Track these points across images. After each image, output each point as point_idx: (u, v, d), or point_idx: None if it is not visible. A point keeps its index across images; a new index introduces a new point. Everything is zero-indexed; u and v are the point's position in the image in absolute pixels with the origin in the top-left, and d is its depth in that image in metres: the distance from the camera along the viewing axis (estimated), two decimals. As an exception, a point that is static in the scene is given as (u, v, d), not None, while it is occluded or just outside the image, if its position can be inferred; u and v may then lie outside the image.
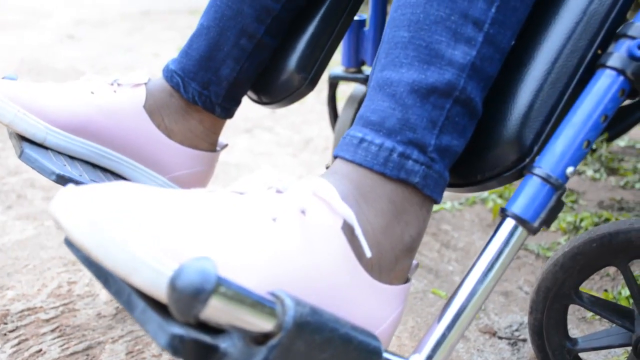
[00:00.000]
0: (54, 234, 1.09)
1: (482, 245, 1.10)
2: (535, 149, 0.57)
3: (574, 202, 1.25)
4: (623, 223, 0.67)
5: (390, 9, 0.61)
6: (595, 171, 1.38)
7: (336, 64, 1.18)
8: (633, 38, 0.55)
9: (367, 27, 1.12)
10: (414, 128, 0.55)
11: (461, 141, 0.57)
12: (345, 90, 1.90)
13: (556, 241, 1.11)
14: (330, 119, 1.19)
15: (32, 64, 2.27)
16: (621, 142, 1.53)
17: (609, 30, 0.57)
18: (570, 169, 0.55)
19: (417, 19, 0.57)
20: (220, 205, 0.49)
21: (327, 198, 0.52)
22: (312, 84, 0.87)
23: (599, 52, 0.58)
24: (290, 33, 0.86)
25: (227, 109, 0.88)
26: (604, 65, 0.56)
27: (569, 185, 1.31)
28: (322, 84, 1.97)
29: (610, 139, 1.45)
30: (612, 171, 1.38)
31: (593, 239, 0.68)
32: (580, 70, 0.57)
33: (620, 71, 0.55)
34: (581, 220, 1.15)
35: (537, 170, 0.55)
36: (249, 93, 0.92)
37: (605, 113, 0.55)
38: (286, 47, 0.86)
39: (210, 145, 0.89)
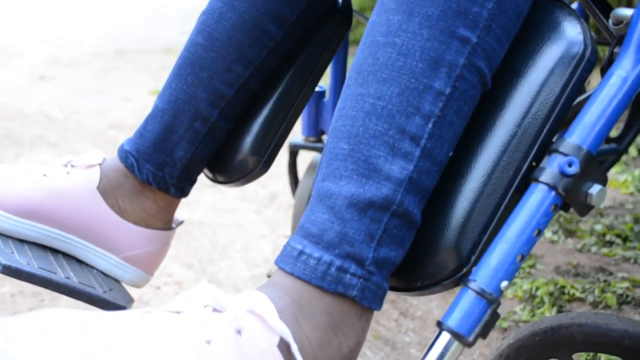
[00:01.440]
0: None
1: (441, 314, 1.11)
2: (473, 258, 0.59)
3: (532, 266, 1.26)
4: (565, 317, 0.69)
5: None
6: (554, 233, 1.40)
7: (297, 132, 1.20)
8: (564, 154, 0.57)
9: (327, 98, 1.13)
10: (351, 242, 0.56)
11: (399, 252, 0.58)
12: (307, 157, 1.92)
13: (512, 310, 1.12)
14: (290, 185, 1.20)
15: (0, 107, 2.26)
16: (581, 200, 1.56)
17: (543, 144, 0.59)
18: (504, 283, 0.56)
19: (356, 132, 0.58)
20: (151, 330, 0.49)
21: (264, 315, 0.52)
22: (266, 166, 0.88)
23: (534, 164, 0.59)
24: (245, 115, 0.87)
25: (182, 189, 0.88)
26: (536, 180, 0.57)
27: (527, 248, 1.33)
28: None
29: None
30: (570, 233, 1.40)
31: (536, 333, 0.69)
32: (516, 182, 0.59)
33: (552, 187, 0.57)
34: (537, 288, 1.16)
35: (472, 284, 0.56)
36: (205, 171, 0.93)
37: (538, 227, 0.57)
38: (241, 129, 0.87)
39: (165, 223, 0.89)
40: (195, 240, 1.38)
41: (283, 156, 1.91)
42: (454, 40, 0.58)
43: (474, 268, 0.57)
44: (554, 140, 0.60)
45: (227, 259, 1.30)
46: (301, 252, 0.57)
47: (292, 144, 1.16)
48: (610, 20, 0.62)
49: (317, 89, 1.14)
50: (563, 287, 1.17)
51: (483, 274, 0.56)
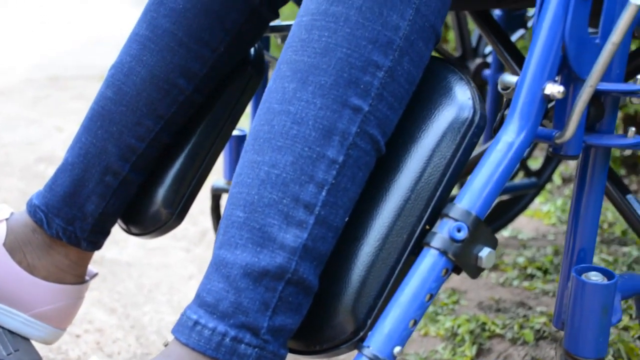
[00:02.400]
0: None
1: None
2: (369, 322, 0.60)
3: (455, 302, 1.29)
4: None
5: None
6: (478, 266, 1.43)
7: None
8: (454, 219, 0.59)
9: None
10: (246, 312, 0.56)
11: (296, 318, 0.59)
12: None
13: (434, 349, 1.14)
14: (214, 228, 1.20)
15: None
16: (505, 232, 1.60)
17: (436, 207, 0.61)
18: (397, 349, 0.57)
19: (252, 200, 0.58)
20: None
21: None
22: (179, 218, 0.87)
23: (428, 227, 0.61)
24: (158, 168, 0.87)
25: (94, 242, 0.87)
26: (428, 245, 0.59)
27: (451, 284, 1.35)
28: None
29: (494, 231, 1.51)
30: (493, 267, 1.43)
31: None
32: (410, 246, 0.60)
33: (442, 252, 0.58)
34: (459, 326, 1.18)
35: (366, 351, 0.57)
36: (119, 222, 0.91)
37: (430, 292, 0.58)
38: (153, 182, 0.87)
39: (78, 277, 0.88)
40: (121, 283, 1.35)
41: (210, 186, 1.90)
42: (346, 109, 0.59)
43: (369, 333, 0.58)
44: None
45: (152, 302, 1.28)
46: (196, 322, 0.57)
47: (214, 188, 1.16)
48: (499, 85, 0.64)
49: (237, 132, 1.15)
50: (484, 323, 1.19)
51: (377, 340, 0.57)
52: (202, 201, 1.80)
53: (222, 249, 0.59)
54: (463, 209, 0.59)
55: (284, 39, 1.09)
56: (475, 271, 0.60)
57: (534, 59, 0.60)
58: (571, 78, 0.62)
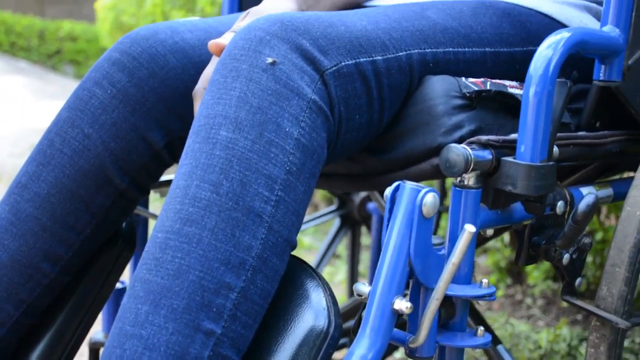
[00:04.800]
0: None
1: None
2: None
3: None
4: None
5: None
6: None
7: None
8: None
9: (127, 295, 1.11)
10: None
11: None
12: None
13: None
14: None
15: None
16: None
17: None
18: None
19: None
20: None
21: None
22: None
23: None
24: (21, 348, 0.83)
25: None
26: None
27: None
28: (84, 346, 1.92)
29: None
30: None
31: None
32: None
33: None
34: None
35: None
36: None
37: None
38: (32, 342, 0.83)
39: None
40: None
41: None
42: (198, 334, 0.59)
43: None
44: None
45: None
46: None
47: (92, 341, 1.12)
48: (354, 293, 0.66)
49: (118, 285, 1.12)
50: None
51: None
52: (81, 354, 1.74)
53: None
54: None
55: (163, 193, 1.09)
56: None
57: (382, 275, 0.62)
58: (421, 286, 0.65)
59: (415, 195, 0.62)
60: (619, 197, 0.86)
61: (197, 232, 0.60)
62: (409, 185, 0.62)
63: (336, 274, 2.08)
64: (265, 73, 0.64)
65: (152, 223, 1.01)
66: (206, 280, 0.59)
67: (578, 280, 0.76)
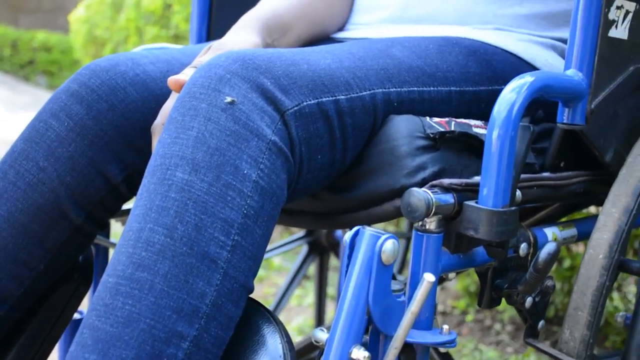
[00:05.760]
0: None
1: None
2: None
3: None
4: None
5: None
6: None
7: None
8: None
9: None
10: None
11: None
12: None
13: None
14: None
15: None
16: None
17: None
18: None
19: None
20: None
21: None
22: None
23: None
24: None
25: None
26: None
27: None
28: None
29: None
30: None
31: None
32: None
33: None
34: None
35: None
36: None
37: None
38: None
39: None
40: None
41: None
42: (148, 385, 0.57)
43: None
44: None
45: None
46: None
47: (49, 373, 1.09)
48: (312, 339, 0.65)
49: (76, 316, 1.09)
50: None
51: None
52: None
53: None
54: None
55: (124, 222, 1.06)
56: None
57: (340, 323, 0.61)
58: (380, 333, 0.64)
59: (374, 242, 0.61)
60: (583, 236, 0.85)
61: (149, 278, 0.58)
62: (369, 231, 0.61)
63: (306, 296, 2.06)
64: (224, 113, 0.62)
65: (112, 252, 0.99)
66: (157, 329, 0.57)
67: (541, 323, 0.75)
